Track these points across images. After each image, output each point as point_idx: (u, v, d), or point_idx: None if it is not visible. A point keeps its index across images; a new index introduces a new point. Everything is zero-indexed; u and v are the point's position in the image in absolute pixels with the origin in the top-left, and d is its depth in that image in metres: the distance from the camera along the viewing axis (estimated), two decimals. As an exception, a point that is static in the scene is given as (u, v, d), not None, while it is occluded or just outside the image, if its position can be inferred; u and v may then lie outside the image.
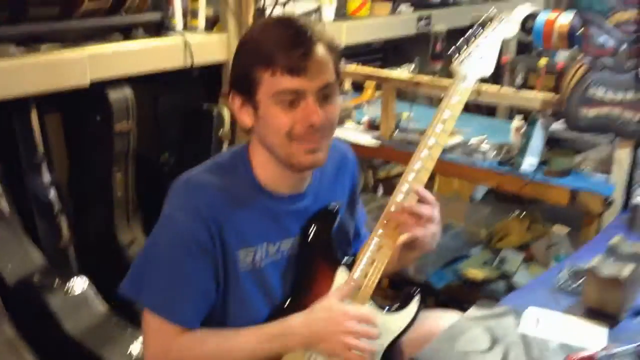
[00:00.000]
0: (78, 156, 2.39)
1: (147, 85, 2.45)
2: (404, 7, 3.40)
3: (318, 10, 2.83)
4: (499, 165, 2.18)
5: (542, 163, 2.11)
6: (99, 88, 2.20)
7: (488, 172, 2.20)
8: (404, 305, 1.31)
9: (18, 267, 1.98)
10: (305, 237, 1.27)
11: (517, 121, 2.26)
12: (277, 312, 1.23)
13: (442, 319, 1.42)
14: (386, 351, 1.28)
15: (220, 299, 1.22)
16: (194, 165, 1.26)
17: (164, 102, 2.67)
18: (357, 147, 2.26)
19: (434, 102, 3.07)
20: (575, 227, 2.29)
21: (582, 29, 1.90)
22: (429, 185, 2.80)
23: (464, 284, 2.54)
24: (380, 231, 1.24)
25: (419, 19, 3.38)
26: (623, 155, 1.98)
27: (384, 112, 2.48)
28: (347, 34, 2.99)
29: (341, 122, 2.57)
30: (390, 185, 3.15)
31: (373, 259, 1.24)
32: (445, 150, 2.16)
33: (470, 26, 1.38)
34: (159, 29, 2.45)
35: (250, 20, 2.54)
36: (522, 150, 2.10)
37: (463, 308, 1.46)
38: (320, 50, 1.15)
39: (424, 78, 2.38)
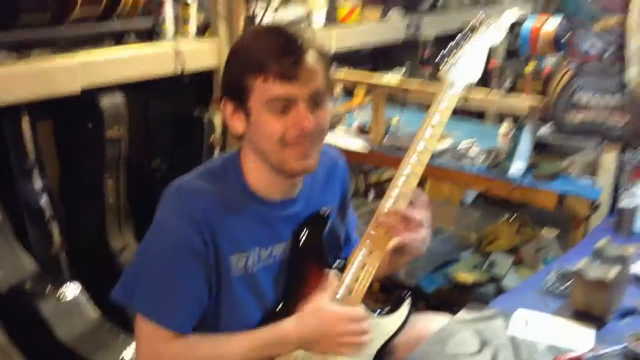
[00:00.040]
0: (69, 163, 2.39)
1: (138, 91, 2.46)
2: (393, 13, 3.43)
3: (308, 16, 2.85)
4: (488, 169, 2.20)
5: (530, 167, 2.13)
6: (91, 95, 2.20)
7: (477, 177, 2.22)
8: (394, 308, 1.33)
9: (9, 273, 1.98)
10: (296, 242, 1.28)
11: (505, 126, 2.28)
12: (270, 317, 1.24)
13: (432, 322, 1.43)
14: (377, 354, 1.30)
15: (213, 303, 1.22)
16: (186, 172, 1.27)
17: (155, 109, 2.68)
18: (347, 153, 2.26)
19: (424, 106, 3.10)
20: (564, 230, 2.32)
21: (568, 35, 1.92)
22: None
23: (454, 287, 2.56)
24: (370, 236, 1.25)
25: (409, 25, 3.41)
26: (609, 159, 2.01)
27: (374, 117, 2.50)
28: (337, 39, 3.01)
29: (332, 127, 2.59)
30: (380, 189, 3.17)
31: (364, 263, 1.25)
32: (434, 155, 2.19)
33: (459, 32, 1.40)
34: (150, 35, 2.46)
35: (241, 26, 2.56)
36: (510, 155, 2.12)
37: (453, 311, 1.47)
38: (311, 57, 1.17)
39: (413, 83, 2.40)
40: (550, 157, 2.17)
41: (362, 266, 1.25)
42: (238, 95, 1.18)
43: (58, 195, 2.37)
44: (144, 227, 1.25)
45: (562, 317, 1.40)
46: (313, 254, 1.29)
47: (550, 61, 2.45)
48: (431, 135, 1.28)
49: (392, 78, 2.56)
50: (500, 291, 2.37)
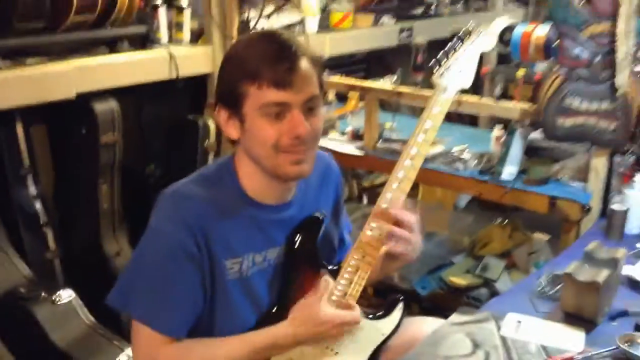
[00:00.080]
0: (64, 168, 2.40)
1: (132, 96, 2.47)
2: (386, 19, 3.45)
3: (302, 22, 2.86)
4: (480, 174, 2.22)
5: (522, 172, 2.15)
6: (85, 100, 2.20)
7: (469, 181, 2.24)
8: (387, 312, 1.34)
9: (4, 279, 1.98)
10: (291, 246, 1.29)
11: (497, 131, 2.31)
12: (264, 321, 1.25)
13: (426, 325, 1.45)
14: (371, 357, 1.31)
15: (208, 308, 1.23)
16: (180, 177, 1.28)
17: (149, 114, 2.68)
18: (341, 157, 2.29)
19: (417, 111, 3.12)
20: (556, 234, 2.33)
21: (558, 41, 1.94)
22: (413, 194, 2.85)
23: (448, 290, 2.58)
24: (364, 240, 1.27)
25: (401, 31, 3.43)
26: (599, 163, 2.03)
27: (367, 122, 2.52)
28: (331, 45, 3.03)
29: (325, 132, 2.61)
30: (374, 194, 3.18)
31: (357, 267, 1.26)
32: (427, 160, 2.20)
33: (451, 38, 1.42)
34: (144, 42, 2.47)
35: (235, 32, 2.57)
36: (502, 159, 2.14)
37: (447, 315, 1.49)
38: (304, 63, 1.18)
39: (406, 89, 2.42)
40: (541, 161, 2.19)
41: (355, 270, 1.26)
42: (232, 102, 1.19)
43: (52, 200, 2.37)
44: (138, 232, 1.25)
45: (553, 320, 1.41)
46: (307, 258, 1.30)
47: (542, 66, 2.48)
48: (424, 140, 1.30)
49: (385, 83, 2.58)
50: (493, 294, 2.39)
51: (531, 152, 2.23)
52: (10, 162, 2.18)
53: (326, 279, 1.28)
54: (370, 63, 3.78)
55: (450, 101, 1.34)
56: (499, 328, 1.38)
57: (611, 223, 1.86)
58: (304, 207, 1.33)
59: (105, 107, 2.28)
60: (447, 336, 1.36)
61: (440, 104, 1.32)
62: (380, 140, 2.52)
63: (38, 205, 2.22)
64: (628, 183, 1.92)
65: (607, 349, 1.28)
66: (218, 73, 1.25)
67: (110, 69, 2.27)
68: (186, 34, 2.59)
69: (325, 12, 3.16)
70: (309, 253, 1.30)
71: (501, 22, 1.49)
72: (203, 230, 1.19)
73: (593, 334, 1.37)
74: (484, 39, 1.41)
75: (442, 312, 1.53)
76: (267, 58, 1.16)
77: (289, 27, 2.78)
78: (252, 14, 2.58)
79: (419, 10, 3.82)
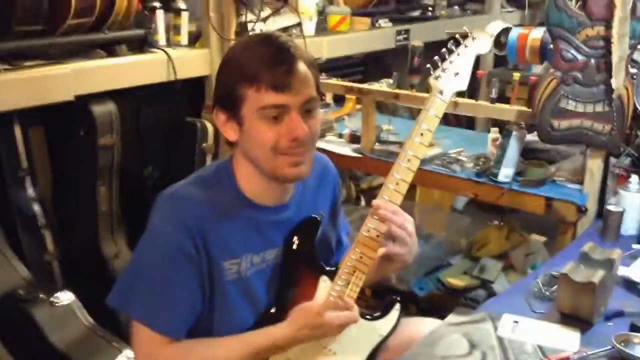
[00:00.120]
0: (62, 170, 2.40)
1: (130, 99, 2.47)
2: (383, 22, 3.47)
3: (299, 25, 2.87)
4: (477, 175, 2.23)
5: (518, 173, 2.16)
6: (83, 102, 2.21)
7: (466, 183, 2.25)
8: (384, 313, 1.36)
9: (3, 280, 1.99)
10: (288, 247, 1.30)
11: (494, 133, 2.32)
12: (262, 321, 1.27)
13: (423, 326, 1.46)
14: (368, 357, 1.32)
15: (207, 308, 1.24)
16: (178, 179, 1.29)
17: (147, 116, 2.69)
18: (338, 159, 2.30)
19: (414, 114, 3.13)
20: (553, 235, 2.34)
21: (553, 44, 1.96)
22: (410, 196, 2.86)
23: (445, 292, 2.59)
24: (361, 241, 1.28)
25: (398, 33, 3.45)
26: (595, 165, 2.04)
27: (364, 125, 2.53)
28: (328, 48, 3.04)
29: (322, 134, 2.62)
30: (372, 196, 3.15)
31: (354, 268, 1.27)
32: (424, 162, 2.22)
33: (448, 41, 1.43)
34: (142, 44, 2.48)
35: (232, 35, 2.58)
36: (499, 161, 2.15)
37: (444, 316, 1.49)
38: (301, 66, 1.20)
39: (403, 91, 2.43)
40: (537, 163, 2.20)
41: (352, 271, 1.27)
42: (231, 104, 1.20)
43: (50, 202, 2.38)
44: (136, 234, 1.26)
45: (549, 320, 1.42)
46: (305, 259, 1.31)
47: (539, 69, 2.49)
48: (420, 143, 1.31)
49: (382, 86, 2.60)
50: (490, 295, 2.39)
51: (527, 154, 2.24)
52: (8, 164, 2.19)
53: (324, 280, 1.29)
54: (368, 65, 3.80)
55: (446, 104, 1.36)
56: (495, 328, 1.39)
57: (607, 224, 1.87)
58: (302, 208, 1.34)
59: (103, 110, 2.29)
60: (444, 336, 1.37)
61: (436, 106, 1.34)
62: (378, 142, 2.53)
63: (36, 207, 2.22)
64: (623, 184, 1.93)
65: (603, 349, 1.29)
66: (216, 76, 1.26)
67: (108, 72, 2.27)
68: (184, 37, 2.60)
69: (322, 14, 3.17)
70: (306, 254, 1.31)
71: (496, 26, 1.50)
72: (201, 232, 1.20)
73: (589, 334, 1.38)
74: (478, 43, 1.42)
75: (440, 313, 1.54)
76: (265, 61, 1.17)
77: (286, 30, 2.79)
78: (250, 16, 2.59)
79: (416, 13, 3.84)
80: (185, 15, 2.58)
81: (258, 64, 1.17)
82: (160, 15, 2.50)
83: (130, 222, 2.49)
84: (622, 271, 1.59)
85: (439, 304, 2.50)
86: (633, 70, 1.95)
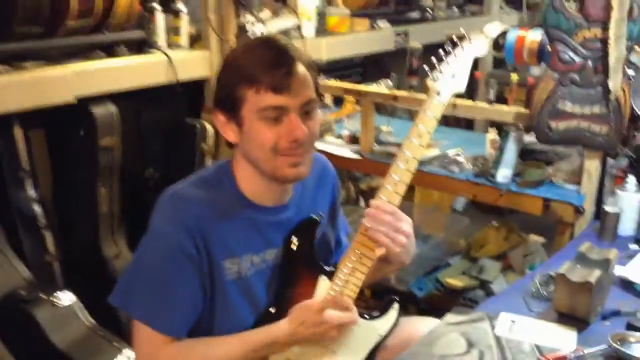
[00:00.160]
0: (62, 172, 2.41)
1: (130, 100, 2.48)
2: (382, 23, 3.48)
3: (298, 27, 2.89)
4: (475, 176, 2.24)
5: (516, 174, 2.18)
6: (84, 104, 2.22)
7: (464, 184, 2.26)
8: (383, 312, 1.36)
9: (4, 281, 1.99)
10: (288, 248, 1.32)
11: (492, 134, 2.33)
12: (262, 321, 1.28)
13: (421, 325, 1.47)
14: (367, 356, 1.33)
15: (207, 308, 1.25)
16: (178, 180, 1.30)
17: (147, 117, 2.70)
18: (337, 160, 2.31)
19: (413, 115, 3.13)
20: (551, 236, 2.35)
21: (551, 45, 1.97)
22: (409, 197, 2.87)
23: (444, 292, 2.60)
24: (359, 241, 1.29)
25: (397, 35, 3.46)
26: (592, 166, 2.05)
27: (363, 126, 2.54)
28: (327, 49, 3.05)
29: (321, 136, 2.63)
30: (371, 197, 3.18)
31: (354, 268, 1.28)
32: (423, 163, 2.23)
33: (446, 42, 1.44)
34: (142, 46, 2.49)
35: (232, 37, 2.59)
36: (497, 162, 2.16)
37: (443, 316, 1.51)
38: (301, 68, 1.21)
39: (402, 93, 2.44)
40: (535, 164, 2.21)
41: (351, 271, 1.28)
42: (231, 105, 1.22)
43: (51, 203, 2.38)
44: (137, 235, 1.27)
45: (546, 320, 1.43)
46: (304, 259, 1.32)
47: (537, 70, 2.50)
48: (418, 144, 1.32)
49: (380, 87, 2.61)
50: (489, 296, 2.40)
51: (525, 155, 2.25)
52: (8, 164, 2.19)
53: (323, 279, 1.30)
54: (367, 67, 3.81)
55: (444, 105, 1.36)
56: (493, 328, 1.40)
57: (604, 225, 1.88)
58: (301, 209, 1.35)
59: (104, 111, 2.30)
60: (442, 336, 1.38)
61: (433, 108, 1.35)
62: (376, 143, 2.54)
63: (37, 208, 2.23)
64: (621, 185, 1.95)
65: (600, 348, 1.30)
66: (217, 78, 1.27)
67: (108, 73, 2.28)
68: (184, 39, 2.61)
69: (321, 16, 3.18)
70: (306, 254, 1.32)
71: (494, 27, 1.51)
72: (202, 232, 1.21)
73: (585, 333, 1.39)
74: (476, 45, 1.43)
75: (439, 313, 1.55)
76: (265, 63, 1.18)
77: (286, 31, 2.80)
78: (249, 18, 2.60)
79: (415, 15, 3.85)
80: (185, 17, 2.59)
81: (258, 66, 1.18)
82: (160, 16, 2.51)
83: (131, 223, 2.49)
84: (618, 271, 1.61)
85: (438, 304, 2.51)
86: (630, 72, 1.97)
